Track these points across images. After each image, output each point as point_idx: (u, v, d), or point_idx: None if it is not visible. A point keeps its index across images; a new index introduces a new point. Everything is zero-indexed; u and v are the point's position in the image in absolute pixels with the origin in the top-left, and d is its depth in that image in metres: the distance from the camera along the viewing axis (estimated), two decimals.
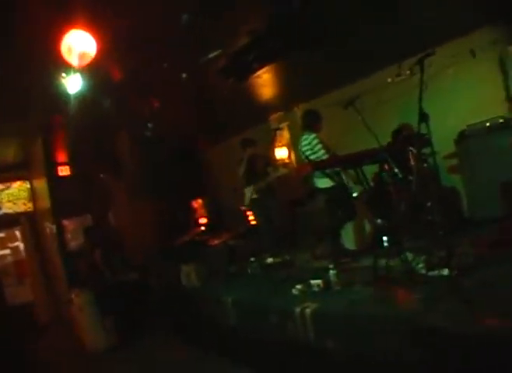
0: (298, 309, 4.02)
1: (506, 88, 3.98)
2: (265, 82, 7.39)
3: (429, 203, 5.67)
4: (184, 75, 5.50)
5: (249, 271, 6.40)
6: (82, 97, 5.38)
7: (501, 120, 5.88)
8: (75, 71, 4.80)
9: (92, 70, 4.78)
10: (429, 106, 3.74)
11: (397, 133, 6.50)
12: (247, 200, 6.94)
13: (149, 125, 7.20)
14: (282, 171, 6.71)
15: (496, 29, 6.24)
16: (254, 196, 6.58)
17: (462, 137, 6.27)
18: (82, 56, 4.35)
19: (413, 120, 6.87)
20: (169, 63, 5.19)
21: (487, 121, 5.98)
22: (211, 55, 5.22)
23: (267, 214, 6.85)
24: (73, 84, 5.06)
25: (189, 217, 10.65)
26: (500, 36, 6.00)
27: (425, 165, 5.89)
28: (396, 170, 5.00)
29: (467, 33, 6.37)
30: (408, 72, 7.09)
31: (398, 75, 7.28)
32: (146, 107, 6.45)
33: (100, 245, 7.74)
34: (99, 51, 4.39)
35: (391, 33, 6.22)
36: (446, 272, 3.86)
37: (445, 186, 6.41)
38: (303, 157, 5.65)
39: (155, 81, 5.67)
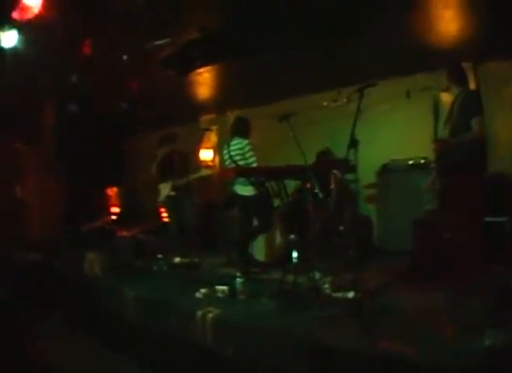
0: (200, 313, 3.95)
1: (435, 131, 4.18)
2: (204, 81, 7.32)
3: (342, 227, 5.88)
4: (125, 57, 5.27)
5: (155, 268, 6.23)
6: (15, 54, 4.96)
7: (422, 161, 6.21)
8: (14, 23, 4.41)
9: (32, 27, 4.45)
10: (358, 134, 3.82)
11: (321, 154, 6.67)
12: (162, 197, 6.75)
13: (78, 100, 6.80)
14: (205, 172, 6.56)
15: (431, 76, 6.63)
16: (171, 193, 6.40)
17: (384, 170, 6.55)
18: (24, 9, 4.03)
19: (341, 145, 7.22)
20: (113, 39, 4.95)
21: (410, 159, 6.30)
22: (157, 42, 5.06)
23: (180, 213, 6.68)
24: (8, 37, 4.68)
25: (102, 204, 10.26)
26: (434, 83, 6.36)
27: (344, 189, 6.09)
28: (317, 190, 5.10)
29: (405, 75, 6.69)
30: (345, 100, 7.39)
31: (335, 101, 7.54)
32: (81, 81, 6.11)
33: None
34: (43, 8, 4.10)
35: (334, 60, 6.39)
36: (351, 295, 3.97)
37: (360, 214, 6.66)
38: (227, 162, 5.59)
39: (94, 55, 5.37)
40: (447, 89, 4.37)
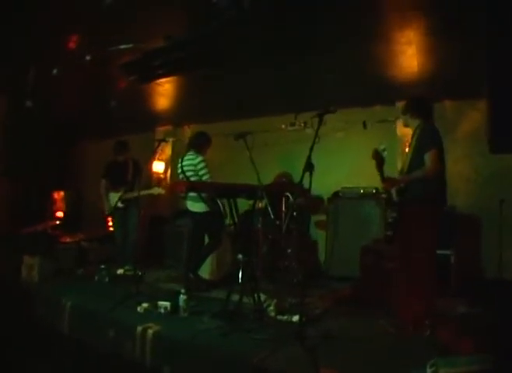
0: (140, 328, 3.82)
1: (381, 173, 4.20)
2: (165, 92, 7.22)
3: (289, 250, 5.90)
4: (88, 57, 5.13)
5: (96, 278, 6.01)
6: None
7: (374, 190, 6.34)
8: None
9: None
10: (313, 159, 3.82)
11: (279, 177, 6.73)
12: (109, 206, 6.54)
13: (32, 98, 6.54)
14: (157, 191, 6.28)
15: (388, 109, 6.83)
16: (119, 205, 6.19)
17: (335, 197, 6.63)
18: None
19: (296, 169, 7.30)
20: (78, 37, 4.82)
21: (361, 188, 6.42)
22: (122, 46, 4.95)
23: (127, 225, 6.47)
24: None
25: (46, 208, 9.89)
26: (391, 116, 6.55)
27: (294, 213, 6.11)
28: (269, 211, 5.09)
29: (363, 106, 6.85)
30: (302, 124, 7.53)
31: (292, 125, 7.69)
32: (36, 75, 5.88)
33: None
34: None
35: (294, 84, 6.48)
36: (295, 318, 3.96)
37: (309, 238, 6.71)
38: (180, 176, 5.51)
39: (54, 52, 5.19)
40: (406, 125, 4.35)
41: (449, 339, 3.41)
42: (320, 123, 3.78)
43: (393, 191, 4.09)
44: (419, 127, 4.06)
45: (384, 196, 6.30)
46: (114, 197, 6.37)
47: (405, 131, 4.69)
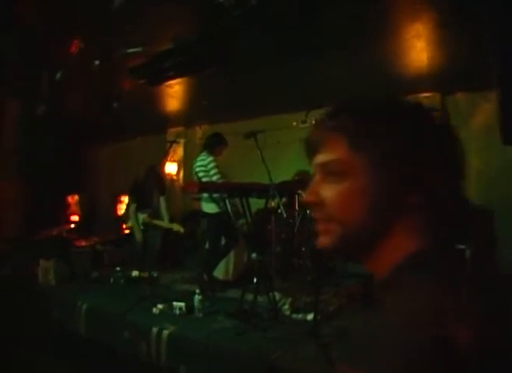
0: (155, 329, 3.84)
1: None
2: (175, 94, 7.23)
3: (303, 249, 5.87)
4: (97, 62, 5.15)
5: (112, 280, 6.05)
6: None
7: None
8: None
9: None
10: None
11: (298, 174, 6.70)
12: (131, 222, 6.55)
13: (46, 101, 6.58)
14: (178, 228, 6.21)
15: None
16: (141, 227, 6.25)
17: None
18: None
19: (306, 166, 7.27)
20: (86, 42, 4.83)
21: None
22: (130, 50, 4.97)
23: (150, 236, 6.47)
24: None
25: (61, 212, 9.98)
26: None
27: (308, 211, 6.08)
28: (281, 210, 5.07)
29: None
30: (313, 121, 7.48)
31: (304, 122, 7.63)
32: (49, 79, 5.92)
33: None
34: None
35: (304, 81, 6.45)
36: (310, 317, 3.96)
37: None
38: (195, 177, 5.52)
39: (64, 58, 5.22)
40: None
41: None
42: None
43: None
44: None
45: None
46: (136, 216, 6.45)
47: None
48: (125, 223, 6.77)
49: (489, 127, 6.18)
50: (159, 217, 6.37)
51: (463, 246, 5.23)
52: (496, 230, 5.95)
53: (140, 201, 6.48)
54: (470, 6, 4.15)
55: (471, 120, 6.37)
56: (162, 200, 6.53)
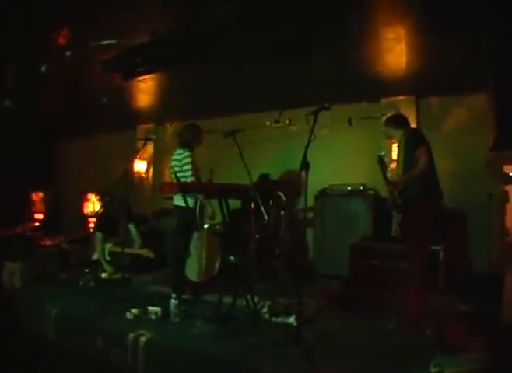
0: (131, 336, 3.70)
1: (385, 176, 4.26)
2: (146, 89, 7.04)
3: (277, 250, 5.82)
4: (68, 53, 4.92)
5: (81, 283, 5.83)
6: None
7: (361, 187, 6.31)
8: None
9: None
10: (297, 158, 3.77)
11: (262, 177, 6.66)
12: (97, 253, 6.31)
13: (11, 94, 6.28)
14: (148, 254, 5.99)
15: (373, 106, 6.81)
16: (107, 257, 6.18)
17: (322, 195, 6.58)
18: None
19: (280, 167, 7.24)
20: (59, 31, 4.60)
21: (349, 185, 6.38)
22: (104, 42, 4.77)
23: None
24: None
25: (25, 209, 9.63)
26: (376, 112, 6.53)
27: (282, 212, 6.04)
28: (262, 211, 4.97)
29: (348, 102, 6.80)
30: (286, 121, 7.46)
31: (277, 122, 7.61)
32: (15, 73, 5.65)
33: None
34: None
35: (279, 81, 6.39)
36: (291, 320, 3.91)
37: (298, 237, 6.65)
38: (171, 171, 5.30)
39: (34, 48, 4.96)
40: (390, 137, 4.54)
41: (452, 338, 3.37)
42: (316, 120, 3.73)
43: (395, 193, 4.10)
44: (404, 135, 4.17)
45: (370, 193, 6.36)
46: (102, 243, 6.28)
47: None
48: (90, 255, 6.56)
49: (461, 130, 6.30)
50: (129, 243, 6.18)
51: (437, 247, 5.33)
52: (468, 231, 6.07)
53: (106, 230, 6.30)
54: (451, 11, 4.18)
55: (444, 123, 6.46)
56: (131, 226, 6.40)
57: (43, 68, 5.35)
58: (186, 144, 5.16)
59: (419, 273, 3.91)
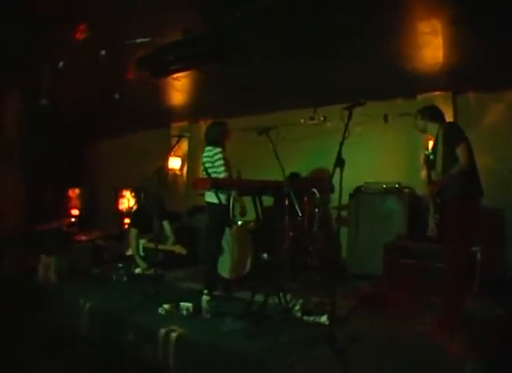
0: (163, 331, 3.71)
1: (429, 176, 4.13)
2: (181, 87, 7.06)
3: (311, 248, 5.77)
4: (103, 52, 4.98)
5: (114, 277, 5.91)
6: None
7: (396, 185, 6.18)
8: None
9: None
10: (332, 155, 3.71)
11: (292, 176, 6.60)
12: (132, 249, 6.46)
13: (48, 93, 6.40)
14: (180, 250, 6.06)
15: (410, 102, 6.65)
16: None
17: (357, 193, 6.48)
18: None
19: (313, 163, 7.17)
20: (92, 31, 4.66)
21: (384, 183, 6.26)
22: (138, 40, 4.80)
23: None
24: None
25: (61, 205, 9.84)
26: (412, 109, 6.37)
27: (316, 210, 5.98)
28: (296, 208, 4.93)
29: (384, 99, 6.67)
30: (321, 118, 7.37)
31: (312, 119, 7.52)
32: (50, 72, 5.75)
33: None
34: None
35: (313, 78, 6.32)
36: (323, 319, 3.85)
37: (332, 235, 6.58)
38: (202, 168, 5.32)
39: (68, 46, 5.03)
40: (424, 130, 4.27)
41: (478, 342, 3.27)
42: (350, 116, 3.67)
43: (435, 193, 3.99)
44: (441, 129, 4.00)
45: (405, 191, 6.22)
46: (136, 239, 6.42)
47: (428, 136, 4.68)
48: (124, 251, 6.67)
49: (501, 127, 6.10)
50: (162, 240, 6.26)
51: (475, 248, 5.17)
52: (506, 231, 5.87)
53: (141, 226, 6.39)
54: (487, 4, 4.04)
55: (482, 119, 6.26)
56: (165, 223, 6.50)
57: (62, 64, 5.40)
58: (214, 142, 5.17)
59: (457, 275, 3.76)
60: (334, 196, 4.50)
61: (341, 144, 3.60)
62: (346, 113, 3.69)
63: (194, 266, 6.19)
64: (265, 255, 4.35)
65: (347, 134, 3.64)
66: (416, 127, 4.29)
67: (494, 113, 6.24)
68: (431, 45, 5.11)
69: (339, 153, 3.59)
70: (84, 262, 6.61)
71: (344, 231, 6.60)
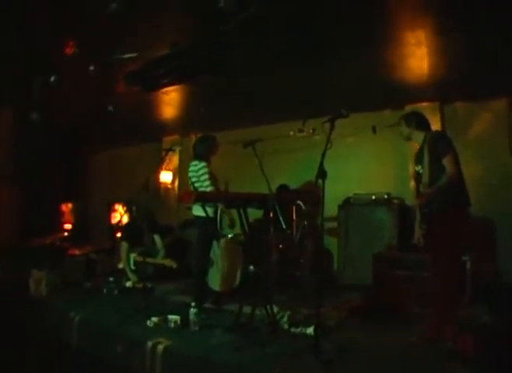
0: (150, 343, 3.72)
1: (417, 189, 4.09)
2: (171, 101, 7.14)
3: (301, 260, 5.77)
4: (91, 68, 5.03)
5: (105, 291, 5.92)
6: None
7: (386, 196, 6.21)
8: None
9: None
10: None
11: (281, 188, 6.64)
12: (122, 263, 6.50)
13: (38, 108, 6.44)
14: (171, 264, 6.07)
15: (397, 113, 6.69)
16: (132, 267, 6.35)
17: (346, 204, 6.51)
18: None
19: (303, 176, 7.20)
20: (80, 47, 4.71)
21: (373, 194, 6.29)
22: (126, 55, 4.86)
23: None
24: None
25: (54, 220, 9.85)
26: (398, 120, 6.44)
27: (305, 222, 6.01)
28: (281, 220, 4.96)
29: (372, 110, 6.73)
30: (310, 131, 7.41)
31: (301, 131, 7.56)
32: (41, 87, 5.80)
33: None
34: None
35: (301, 90, 6.38)
36: (310, 331, 3.86)
37: (321, 247, 6.57)
38: (189, 182, 5.35)
39: (57, 61, 5.09)
40: (408, 138, 4.22)
41: (472, 351, 3.26)
42: (332, 127, 3.70)
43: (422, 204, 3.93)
44: (427, 139, 3.96)
45: (395, 202, 6.25)
46: (127, 253, 6.46)
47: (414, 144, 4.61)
48: (116, 264, 6.70)
49: (488, 136, 6.15)
50: (153, 253, 6.31)
51: (465, 257, 5.18)
52: (497, 240, 5.89)
53: (132, 240, 6.44)
54: (472, 13, 4.10)
55: (470, 129, 6.31)
56: (156, 237, 6.56)
57: (54, 78, 5.46)
58: (200, 156, 5.20)
59: (448, 286, 3.74)
60: (326, 208, 4.51)
61: (323, 155, 3.62)
62: (328, 125, 3.71)
63: (185, 280, 6.18)
64: (252, 267, 4.36)
65: (329, 145, 3.67)
66: (401, 134, 4.24)
67: (482, 122, 6.29)
68: (416, 55, 5.18)
69: (321, 165, 3.61)
70: (76, 276, 6.61)
71: (334, 242, 6.62)
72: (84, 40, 4.70)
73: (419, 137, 4.07)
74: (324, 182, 3.62)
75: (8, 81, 6.18)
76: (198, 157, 5.20)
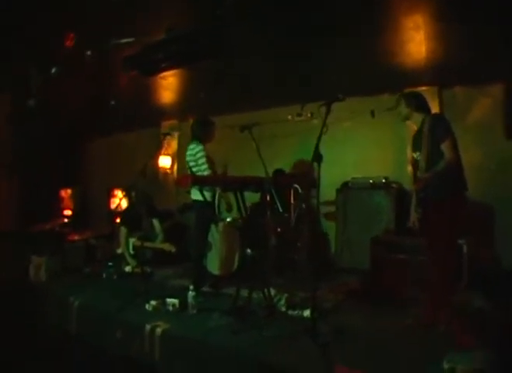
0: (148, 327, 3.76)
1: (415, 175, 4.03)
2: (169, 86, 7.10)
3: (299, 244, 5.80)
4: (88, 53, 5.00)
5: (104, 276, 5.97)
6: None
7: (383, 180, 6.22)
8: None
9: None
10: (320, 150, 3.70)
11: (276, 173, 6.63)
12: (122, 248, 6.47)
13: (36, 94, 6.42)
14: (170, 248, 5.95)
15: (395, 98, 6.67)
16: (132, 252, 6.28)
17: (344, 188, 6.52)
18: None
19: (303, 159, 7.21)
20: (77, 32, 4.68)
21: (371, 178, 6.30)
22: (123, 40, 4.82)
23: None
24: None
25: (54, 206, 9.87)
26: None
27: (303, 205, 6.02)
28: (277, 204, 4.98)
29: (371, 94, 6.71)
30: (309, 115, 7.40)
31: (299, 115, 7.55)
32: (38, 73, 5.78)
33: None
34: None
35: (300, 74, 6.35)
36: (307, 313, 3.89)
37: (318, 231, 6.61)
38: (187, 166, 5.36)
39: (54, 47, 5.06)
40: (406, 118, 4.14)
41: (465, 335, 3.30)
42: (328, 111, 3.69)
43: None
44: (426, 119, 3.89)
45: (393, 186, 6.26)
46: (127, 238, 6.43)
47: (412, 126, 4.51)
48: (115, 250, 6.70)
49: (487, 121, 6.13)
50: (152, 238, 6.31)
51: (461, 241, 5.20)
52: (495, 225, 5.91)
53: (131, 225, 6.42)
54: None
55: (469, 113, 6.29)
56: (155, 221, 6.53)
57: (55, 70, 5.44)
58: (198, 138, 5.19)
59: (445, 270, 3.73)
60: (323, 192, 4.51)
61: (319, 139, 3.60)
62: (324, 109, 3.71)
63: (184, 264, 6.22)
64: (249, 250, 4.38)
65: (325, 129, 3.66)
66: (399, 114, 4.15)
67: (481, 107, 6.26)
68: (415, 40, 5.14)
69: (316, 148, 3.60)
70: (76, 261, 6.65)
71: (332, 226, 6.65)
72: (82, 26, 4.66)
73: (417, 118, 4.00)
74: (319, 165, 3.62)
75: (7, 68, 6.14)
76: (196, 139, 5.19)
